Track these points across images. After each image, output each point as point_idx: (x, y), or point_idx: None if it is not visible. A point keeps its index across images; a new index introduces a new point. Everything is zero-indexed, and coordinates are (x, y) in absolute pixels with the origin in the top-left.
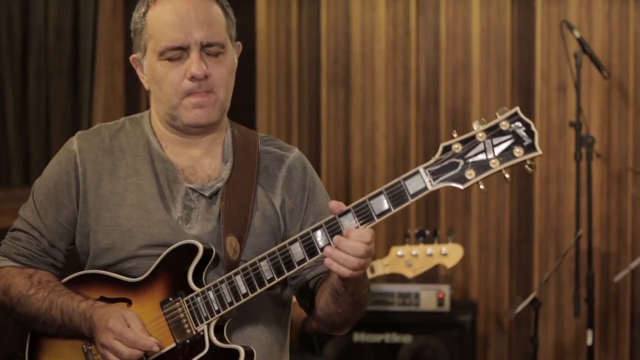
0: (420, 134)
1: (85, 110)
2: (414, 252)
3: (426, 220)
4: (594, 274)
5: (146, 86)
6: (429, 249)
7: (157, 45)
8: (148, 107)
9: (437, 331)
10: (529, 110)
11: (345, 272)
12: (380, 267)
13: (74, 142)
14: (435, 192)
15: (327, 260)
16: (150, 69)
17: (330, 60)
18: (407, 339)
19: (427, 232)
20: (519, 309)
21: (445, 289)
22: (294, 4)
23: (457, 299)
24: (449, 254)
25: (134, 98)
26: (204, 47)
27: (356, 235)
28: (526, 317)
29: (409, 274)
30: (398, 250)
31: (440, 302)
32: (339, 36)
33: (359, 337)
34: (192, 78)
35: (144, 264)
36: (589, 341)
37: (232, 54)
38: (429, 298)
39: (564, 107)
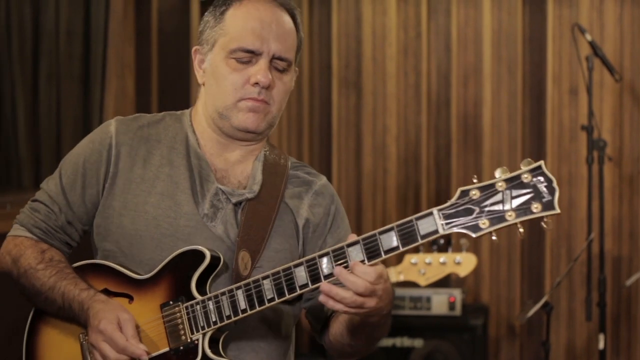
0: (431, 137)
1: (96, 114)
2: (427, 261)
3: None
4: (605, 278)
5: (200, 80)
6: (443, 257)
7: (230, 43)
8: (160, 110)
9: (449, 335)
10: (540, 114)
11: (341, 308)
12: (394, 274)
13: (111, 124)
14: (447, 193)
15: (323, 298)
16: (213, 64)
17: (341, 64)
18: (418, 342)
19: (442, 241)
20: (531, 313)
21: (457, 293)
22: (304, 7)
23: (468, 303)
24: (463, 263)
25: (145, 101)
26: (273, 60)
27: (360, 270)
28: (538, 321)
29: (422, 282)
30: (412, 258)
31: (452, 306)
32: (350, 39)
33: None
34: (256, 84)
35: (162, 257)
36: (601, 345)
37: (292, 76)
38: (440, 302)
39: (576, 110)
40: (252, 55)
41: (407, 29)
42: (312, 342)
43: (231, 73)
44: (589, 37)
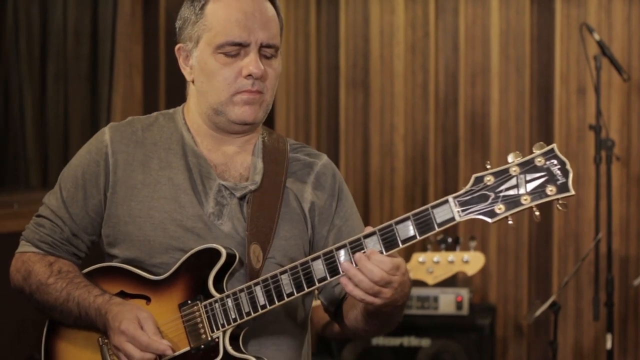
0: (439, 136)
1: (103, 114)
2: (435, 259)
3: None
4: (613, 278)
5: (188, 77)
6: (451, 256)
7: (216, 38)
8: (167, 109)
9: (456, 335)
10: (548, 113)
11: (359, 294)
12: None
13: (105, 133)
14: (455, 192)
15: (344, 280)
16: (201, 61)
17: (349, 63)
18: (425, 342)
19: (449, 239)
20: (538, 312)
21: (464, 293)
22: (312, 7)
23: (475, 303)
24: (471, 261)
25: (153, 101)
26: (262, 48)
27: (376, 259)
28: (545, 320)
29: (430, 281)
30: (419, 257)
31: (459, 305)
32: (358, 39)
33: (377, 340)
34: (249, 76)
35: (175, 259)
36: (609, 345)
37: (281, 60)
38: (447, 301)
39: (584, 110)
40: (240, 48)
41: (414, 28)
42: (318, 340)
43: (221, 68)
44: (597, 36)
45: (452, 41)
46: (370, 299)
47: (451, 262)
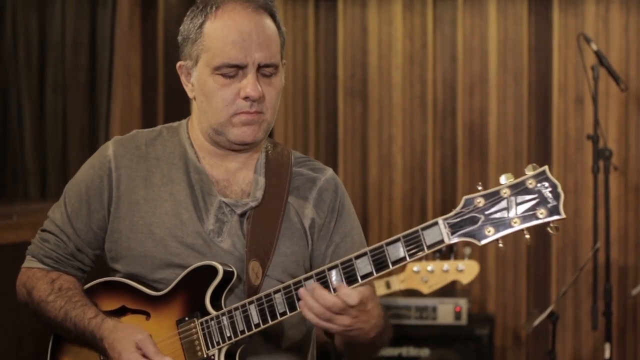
0: (437, 146)
1: (102, 124)
2: (429, 268)
3: None
4: (611, 287)
5: (190, 95)
6: (445, 265)
7: (213, 59)
8: (165, 120)
9: (455, 345)
10: (546, 123)
11: (310, 316)
12: (396, 282)
13: (109, 147)
14: (453, 203)
15: (301, 302)
16: (200, 81)
17: (347, 74)
18: (424, 352)
19: (444, 248)
20: (537, 322)
21: (463, 303)
22: (310, 17)
23: (474, 313)
24: (465, 270)
25: (151, 111)
26: (260, 68)
27: (342, 292)
28: (544, 330)
29: (425, 290)
30: (414, 266)
31: (458, 315)
32: (356, 49)
33: None
34: (246, 98)
35: (175, 275)
36: (607, 354)
37: (282, 74)
38: (446, 312)
39: (581, 119)
40: (237, 69)
41: (413, 39)
42: (319, 351)
43: (219, 90)
44: (594, 46)
45: (450, 52)
46: (323, 324)
47: (446, 271)
